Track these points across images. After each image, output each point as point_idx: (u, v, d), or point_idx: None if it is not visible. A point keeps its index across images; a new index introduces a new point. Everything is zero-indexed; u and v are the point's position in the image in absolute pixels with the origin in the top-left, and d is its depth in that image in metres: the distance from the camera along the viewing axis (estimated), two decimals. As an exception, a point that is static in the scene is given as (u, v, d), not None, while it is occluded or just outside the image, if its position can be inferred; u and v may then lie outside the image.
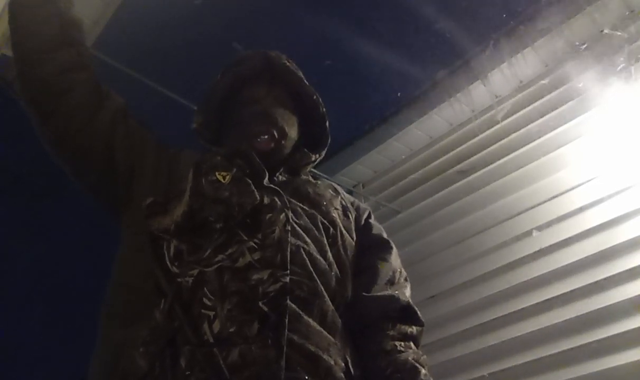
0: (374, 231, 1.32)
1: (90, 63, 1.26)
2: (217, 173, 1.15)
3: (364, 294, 1.18)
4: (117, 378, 0.93)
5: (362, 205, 1.39)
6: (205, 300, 0.95)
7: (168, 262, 1.00)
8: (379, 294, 1.19)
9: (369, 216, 1.35)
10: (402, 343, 1.15)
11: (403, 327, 1.18)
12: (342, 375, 1.01)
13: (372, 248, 1.28)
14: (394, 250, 1.30)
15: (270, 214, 1.08)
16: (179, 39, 2.03)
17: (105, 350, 1.01)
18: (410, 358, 1.12)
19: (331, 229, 1.18)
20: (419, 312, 1.22)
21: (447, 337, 2.32)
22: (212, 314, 0.94)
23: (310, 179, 1.34)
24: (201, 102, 1.38)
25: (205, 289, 0.96)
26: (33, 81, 1.19)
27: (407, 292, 1.24)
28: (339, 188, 1.36)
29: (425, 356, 1.18)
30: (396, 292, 1.21)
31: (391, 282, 1.23)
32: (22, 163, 2.26)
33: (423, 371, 1.12)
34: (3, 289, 2.40)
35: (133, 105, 1.31)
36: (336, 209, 1.25)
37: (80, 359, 1.12)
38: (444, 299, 2.38)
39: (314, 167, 1.46)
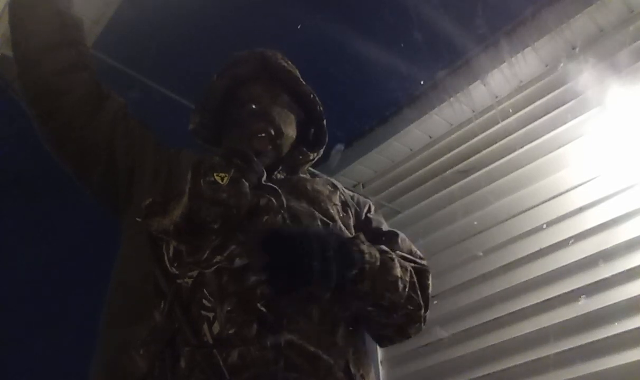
0: (374, 225, 1.31)
1: (90, 63, 1.26)
2: (215, 174, 1.15)
3: None
4: (117, 379, 0.93)
5: (363, 199, 1.38)
6: (204, 301, 0.95)
7: (167, 263, 1.00)
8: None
9: (368, 210, 1.34)
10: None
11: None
12: (342, 375, 1.01)
13: (373, 243, 1.27)
14: (400, 237, 1.27)
15: (267, 216, 1.08)
16: (179, 38, 2.03)
17: (106, 351, 1.01)
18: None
19: (330, 225, 1.18)
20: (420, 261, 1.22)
21: (447, 337, 2.32)
22: (211, 315, 0.94)
23: (308, 176, 1.34)
24: (198, 103, 1.39)
25: (204, 290, 0.96)
26: (33, 81, 1.19)
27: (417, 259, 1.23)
28: (337, 183, 1.36)
29: (419, 267, 1.18)
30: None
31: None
32: (22, 163, 2.25)
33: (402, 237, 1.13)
34: (3, 289, 2.39)
35: (133, 105, 1.31)
36: (335, 204, 1.24)
37: (81, 359, 1.12)
38: (444, 299, 2.38)
39: (313, 166, 1.46)
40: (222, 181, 1.14)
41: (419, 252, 1.26)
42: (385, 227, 1.31)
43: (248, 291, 0.97)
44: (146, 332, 0.93)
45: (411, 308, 1.12)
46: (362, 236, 1.10)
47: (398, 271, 1.09)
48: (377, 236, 1.25)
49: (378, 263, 1.06)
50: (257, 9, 1.96)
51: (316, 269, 0.96)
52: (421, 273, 1.18)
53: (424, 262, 1.22)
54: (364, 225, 1.29)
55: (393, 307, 1.09)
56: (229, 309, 0.95)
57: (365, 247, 1.06)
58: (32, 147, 1.28)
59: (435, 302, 2.30)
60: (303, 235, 0.99)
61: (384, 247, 1.13)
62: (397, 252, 1.17)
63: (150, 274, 1.00)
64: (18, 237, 2.47)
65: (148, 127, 1.29)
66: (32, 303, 2.58)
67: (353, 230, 1.24)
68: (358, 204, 1.33)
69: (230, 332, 0.93)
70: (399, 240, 1.25)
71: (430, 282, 1.20)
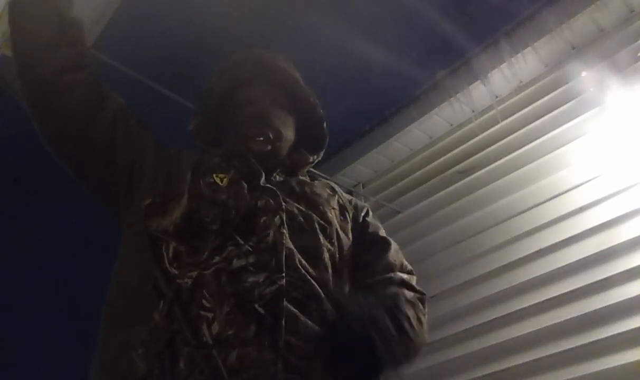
0: (371, 229, 1.31)
1: (90, 63, 1.26)
2: (214, 175, 1.15)
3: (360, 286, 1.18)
4: (117, 379, 0.93)
5: (360, 203, 1.39)
6: (204, 301, 0.95)
7: (167, 263, 1.00)
8: (374, 279, 1.19)
9: (366, 214, 1.35)
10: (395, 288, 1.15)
11: (401, 290, 1.17)
12: (341, 376, 1.01)
13: (369, 247, 1.28)
14: (393, 247, 1.29)
15: (265, 217, 1.08)
16: (179, 39, 2.03)
17: (105, 351, 1.01)
18: (394, 290, 1.12)
19: (328, 229, 1.18)
20: (418, 287, 1.22)
21: (447, 337, 2.32)
22: (211, 315, 0.94)
23: (307, 179, 1.34)
24: (197, 104, 1.39)
25: (204, 290, 0.97)
26: (33, 81, 1.19)
27: (412, 281, 1.24)
28: (336, 187, 1.36)
29: (421, 297, 1.18)
30: (391, 274, 1.21)
31: (392, 271, 1.23)
32: (22, 163, 2.25)
33: (407, 294, 1.12)
34: (3, 289, 2.40)
35: (133, 105, 1.31)
36: (333, 208, 1.25)
37: (81, 359, 1.12)
38: (444, 299, 2.38)
39: (313, 167, 1.46)
40: (222, 182, 1.14)
41: (408, 266, 1.28)
42: (381, 232, 1.33)
43: (246, 292, 0.97)
44: (145, 333, 0.93)
45: (414, 353, 1.13)
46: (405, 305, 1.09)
47: (417, 335, 1.11)
48: (371, 241, 1.28)
49: (411, 333, 1.08)
50: (257, 8, 1.96)
51: (383, 357, 0.97)
52: (422, 304, 1.20)
53: (421, 289, 1.23)
54: (361, 229, 1.30)
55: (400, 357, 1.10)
56: (228, 309, 0.95)
57: (411, 313, 1.08)
58: (32, 147, 1.28)
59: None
60: (364, 326, 0.98)
61: (409, 295, 1.12)
62: (404, 290, 1.17)
63: (149, 275, 1.00)
64: (18, 237, 2.47)
65: (147, 127, 1.29)
66: (32, 303, 2.58)
67: (350, 234, 1.25)
68: (356, 208, 1.34)
69: (229, 332, 0.93)
70: (391, 250, 1.27)
71: (426, 310, 1.22)
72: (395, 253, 1.27)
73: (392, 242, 1.30)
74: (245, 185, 1.15)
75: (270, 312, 0.96)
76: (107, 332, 1.03)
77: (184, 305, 0.95)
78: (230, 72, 1.37)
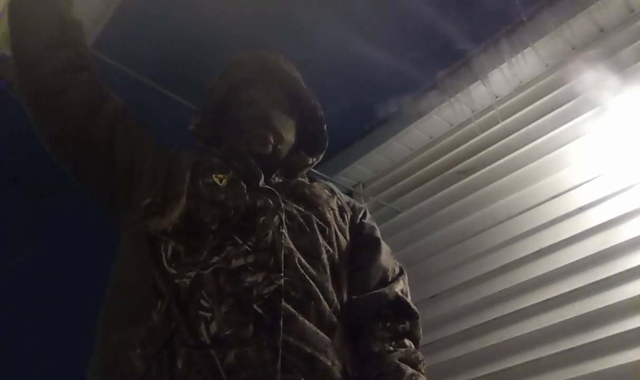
0: (366, 231, 1.33)
1: (89, 63, 1.26)
2: (214, 175, 1.16)
3: (353, 297, 1.18)
4: (115, 379, 0.93)
5: (358, 204, 1.40)
6: (202, 301, 0.96)
7: (165, 263, 1.00)
8: (366, 294, 1.19)
9: (363, 216, 1.36)
10: (393, 342, 1.14)
11: (394, 324, 1.17)
12: (340, 376, 1.01)
13: (362, 248, 1.29)
14: (384, 249, 1.30)
15: (264, 217, 1.08)
16: (180, 39, 2.03)
17: (104, 351, 1.01)
18: (396, 359, 1.10)
19: (327, 230, 1.18)
20: (411, 304, 1.22)
21: (447, 337, 2.32)
22: (209, 315, 0.94)
23: (306, 180, 1.34)
24: (199, 104, 1.39)
25: (202, 290, 0.97)
26: (32, 81, 1.19)
27: (399, 286, 1.23)
28: (335, 188, 1.37)
29: (418, 353, 1.17)
30: (385, 289, 1.21)
31: (383, 282, 1.23)
32: (22, 163, 2.25)
33: (409, 371, 1.08)
34: (3, 289, 2.40)
35: (133, 105, 1.31)
36: (332, 209, 1.26)
37: (79, 359, 1.12)
38: (444, 299, 2.38)
39: (313, 168, 1.46)
40: (221, 182, 1.15)
41: (397, 268, 1.28)
42: (376, 233, 1.34)
43: (244, 292, 0.97)
44: (144, 332, 0.93)
45: None
46: None
47: None
48: (364, 243, 1.30)
49: None
50: (257, 8, 1.96)
51: None
52: (416, 327, 1.21)
53: (412, 308, 1.23)
54: (358, 230, 1.31)
55: None
56: (226, 309, 0.95)
57: None
58: (32, 147, 1.28)
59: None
60: None
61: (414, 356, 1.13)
62: (401, 326, 1.17)
63: (148, 275, 1.00)
64: (18, 237, 2.47)
65: (147, 127, 1.30)
66: (32, 303, 2.58)
67: (348, 235, 1.25)
68: (353, 209, 1.35)
69: (227, 332, 0.93)
70: (383, 254, 1.28)
71: (420, 332, 1.22)
72: (386, 256, 1.28)
73: (381, 242, 1.31)
74: (245, 185, 1.15)
75: (268, 311, 0.96)
76: (105, 332, 1.03)
77: (182, 305, 0.95)
78: (232, 72, 1.37)
